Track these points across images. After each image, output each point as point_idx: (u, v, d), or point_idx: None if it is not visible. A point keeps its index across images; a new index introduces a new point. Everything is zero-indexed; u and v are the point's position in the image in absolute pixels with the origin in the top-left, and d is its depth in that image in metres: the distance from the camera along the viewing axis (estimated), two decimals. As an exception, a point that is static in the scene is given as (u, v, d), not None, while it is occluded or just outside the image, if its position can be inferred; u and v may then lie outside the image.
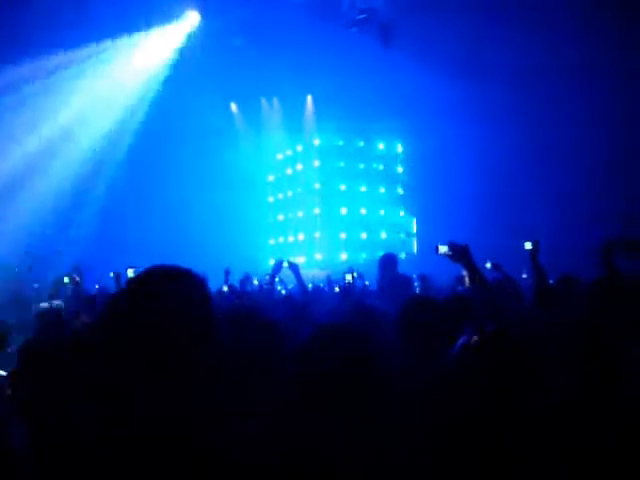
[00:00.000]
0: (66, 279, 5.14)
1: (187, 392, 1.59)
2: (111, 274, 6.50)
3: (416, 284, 7.88)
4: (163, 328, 1.60)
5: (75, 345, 2.94)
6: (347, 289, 6.57)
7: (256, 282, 8.92)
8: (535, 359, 2.05)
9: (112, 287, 6.53)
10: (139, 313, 1.61)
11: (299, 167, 22.47)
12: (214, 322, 1.74)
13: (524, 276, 8.95)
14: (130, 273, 5.14)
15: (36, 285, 8.95)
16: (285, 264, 6.32)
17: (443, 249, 3.24)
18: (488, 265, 6.35)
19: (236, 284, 8.12)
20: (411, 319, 3.12)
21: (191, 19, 14.51)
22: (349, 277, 7.09)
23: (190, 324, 1.63)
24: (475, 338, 2.03)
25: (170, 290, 1.66)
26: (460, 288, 8.48)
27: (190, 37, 16.72)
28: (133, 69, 17.18)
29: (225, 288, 7.73)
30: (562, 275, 5.20)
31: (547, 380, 2.05)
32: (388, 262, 6.93)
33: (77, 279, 5.28)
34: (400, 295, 5.02)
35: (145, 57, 16.96)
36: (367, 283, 8.76)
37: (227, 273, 8.12)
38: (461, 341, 2.06)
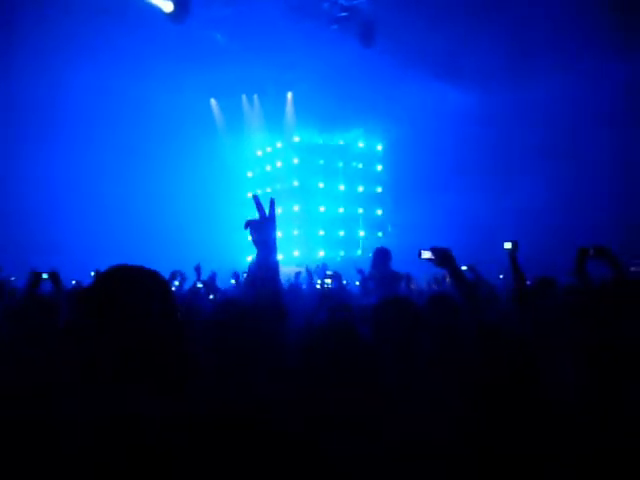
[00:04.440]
0: (44, 275, 5.10)
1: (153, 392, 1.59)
2: (92, 273, 6.47)
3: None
4: (125, 327, 1.60)
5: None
6: (326, 293, 6.60)
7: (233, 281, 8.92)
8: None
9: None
10: (101, 313, 1.62)
11: (278, 164, 22.46)
12: (177, 320, 1.75)
13: (501, 277, 9.06)
14: (45, 276, 5.16)
15: (13, 278, 8.87)
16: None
17: (426, 254, 3.24)
18: (464, 267, 6.42)
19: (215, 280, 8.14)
20: (382, 320, 3.17)
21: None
22: (328, 281, 7.14)
23: (151, 323, 1.64)
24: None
25: (131, 290, 1.66)
26: (435, 287, 8.59)
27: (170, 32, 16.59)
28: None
29: (199, 284, 7.72)
30: (540, 276, 5.30)
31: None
32: (381, 257, 6.93)
33: (58, 276, 5.25)
34: (389, 291, 5.06)
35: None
36: (345, 282, 8.78)
37: (198, 270, 8.12)
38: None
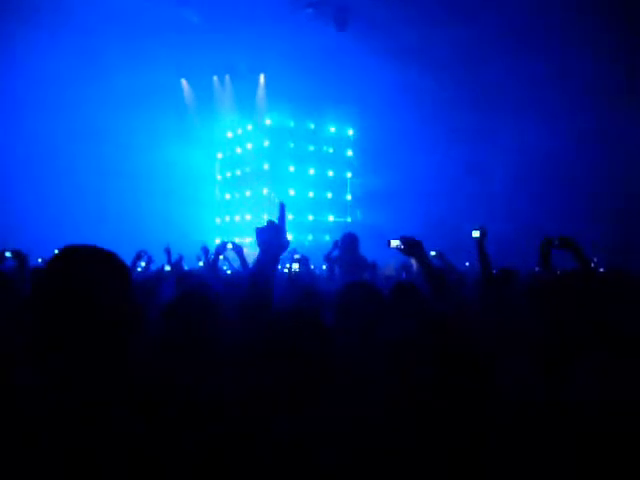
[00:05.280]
0: (8, 253, 5.01)
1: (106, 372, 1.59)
2: (55, 251, 6.40)
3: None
4: (76, 305, 1.59)
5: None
6: (294, 277, 6.62)
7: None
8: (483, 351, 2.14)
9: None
10: (52, 290, 1.61)
11: (249, 146, 22.29)
12: (132, 302, 1.73)
13: (467, 264, 9.15)
14: (8, 254, 5.09)
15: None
16: (229, 246, 6.29)
17: (395, 243, 3.24)
18: (432, 253, 6.44)
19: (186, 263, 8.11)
20: (346, 305, 3.18)
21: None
22: (296, 266, 7.15)
23: (104, 302, 1.63)
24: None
25: (83, 269, 1.65)
26: (404, 275, 8.62)
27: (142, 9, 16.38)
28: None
29: (167, 267, 7.66)
30: (501, 268, 5.35)
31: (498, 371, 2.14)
32: (349, 242, 6.89)
33: (22, 254, 5.17)
34: (354, 278, 5.06)
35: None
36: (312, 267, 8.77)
37: (168, 252, 8.05)
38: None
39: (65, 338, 1.57)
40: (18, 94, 17.34)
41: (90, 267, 1.66)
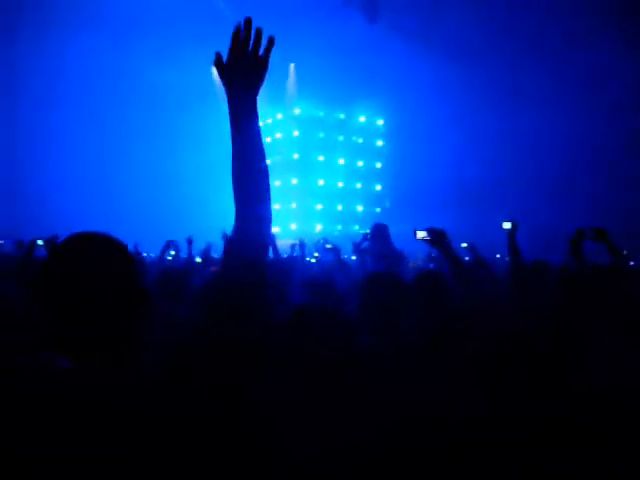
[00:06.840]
0: (40, 241, 5.02)
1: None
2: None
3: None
4: (81, 295, 1.59)
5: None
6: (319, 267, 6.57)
7: None
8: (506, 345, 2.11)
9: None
10: (58, 281, 1.61)
11: (278, 136, 22.29)
12: (139, 290, 1.72)
13: (497, 256, 9.03)
14: (40, 242, 5.04)
15: (1, 241, 8.91)
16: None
17: (421, 234, 3.21)
18: (464, 245, 6.35)
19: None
20: (368, 296, 3.15)
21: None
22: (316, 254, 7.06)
23: (110, 292, 1.62)
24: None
25: (87, 258, 1.64)
26: (432, 265, 8.54)
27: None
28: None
29: (198, 259, 7.59)
30: (534, 260, 5.26)
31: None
32: (379, 232, 6.67)
33: (54, 242, 5.16)
34: (389, 268, 4.96)
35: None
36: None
37: (190, 242, 7.97)
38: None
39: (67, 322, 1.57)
40: (57, 86, 17.64)
41: (89, 251, 1.66)
